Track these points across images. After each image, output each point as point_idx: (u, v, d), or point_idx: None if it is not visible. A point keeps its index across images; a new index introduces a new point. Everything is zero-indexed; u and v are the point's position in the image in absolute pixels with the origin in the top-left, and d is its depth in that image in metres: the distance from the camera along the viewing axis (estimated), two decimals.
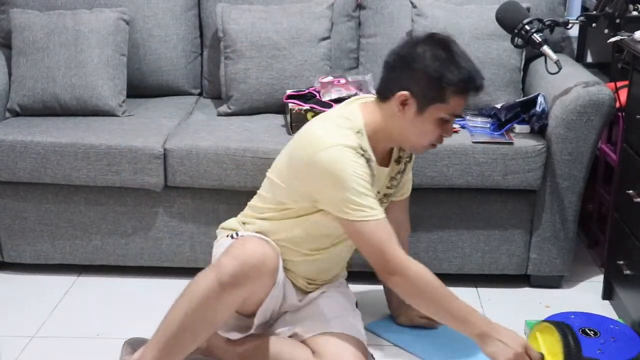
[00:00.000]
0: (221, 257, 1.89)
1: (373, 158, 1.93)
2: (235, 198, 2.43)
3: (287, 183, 1.97)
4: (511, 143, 2.43)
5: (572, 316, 2.30)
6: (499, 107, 2.56)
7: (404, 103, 1.88)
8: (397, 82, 1.89)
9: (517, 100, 2.59)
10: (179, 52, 2.97)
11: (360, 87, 2.63)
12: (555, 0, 2.88)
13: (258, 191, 2.12)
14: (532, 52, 2.73)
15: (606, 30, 2.38)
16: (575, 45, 3.18)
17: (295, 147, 1.97)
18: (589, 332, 2.18)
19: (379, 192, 2.03)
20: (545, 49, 2.33)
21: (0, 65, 2.85)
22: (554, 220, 2.50)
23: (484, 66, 2.67)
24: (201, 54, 3.05)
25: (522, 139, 2.46)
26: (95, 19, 2.79)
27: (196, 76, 3.06)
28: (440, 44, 1.90)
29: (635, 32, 2.27)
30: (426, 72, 1.86)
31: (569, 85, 2.43)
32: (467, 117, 2.61)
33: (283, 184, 1.99)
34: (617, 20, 2.35)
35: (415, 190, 2.49)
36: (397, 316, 2.35)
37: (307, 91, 2.66)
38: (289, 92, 2.68)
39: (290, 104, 2.58)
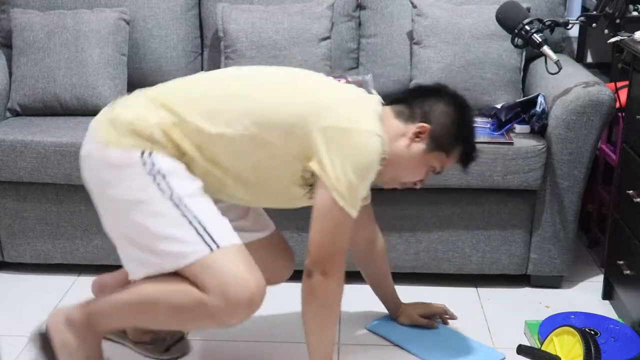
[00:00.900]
0: (208, 285, 1.70)
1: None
2: None
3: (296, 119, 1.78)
4: (511, 143, 2.43)
5: (572, 316, 2.31)
6: (499, 107, 2.56)
7: (418, 134, 1.86)
8: (425, 112, 1.88)
9: (517, 101, 2.60)
10: (179, 52, 2.97)
11: (361, 87, 2.62)
12: (555, 1, 2.88)
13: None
14: (532, 52, 2.73)
15: (606, 31, 2.38)
16: (575, 46, 3.19)
17: (332, 111, 1.79)
18: (589, 332, 2.18)
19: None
20: (546, 49, 2.33)
21: (1, 65, 2.85)
22: (554, 221, 2.51)
23: (484, 66, 2.68)
24: (201, 54, 3.05)
25: (522, 139, 2.46)
26: (96, 19, 2.79)
27: None
28: (465, 103, 1.94)
29: (636, 33, 2.28)
30: (452, 121, 1.87)
31: (569, 85, 2.43)
32: None
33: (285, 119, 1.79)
34: (617, 21, 2.35)
35: (415, 190, 2.50)
36: (397, 316, 2.35)
37: None
38: None
39: None
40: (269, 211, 2.20)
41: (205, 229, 1.73)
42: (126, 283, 1.93)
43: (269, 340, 2.29)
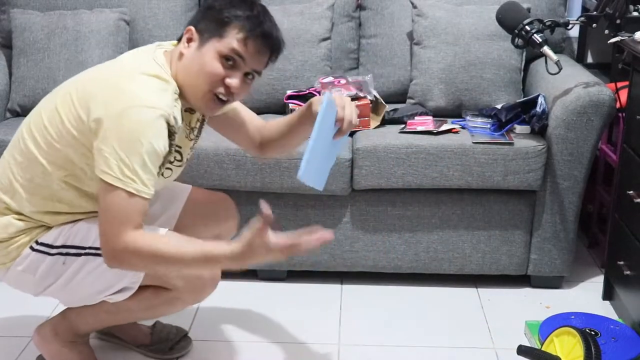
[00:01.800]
0: (169, 280, 1.87)
1: (180, 124, 1.77)
2: (235, 198, 2.42)
3: (58, 134, 1.75)
4: (511, 143, 2.43)
5: (573, 317, 2.30)
6: (500, 108, 2.56)
7: (189, 39, 1.75)
8: (190, 21, 1.80)
9: (518, 101, 2.60)
10: None
11: (361, 88, 2.63)
12: (555, 1, 2.88)
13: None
14: (532, 53, 2.73)
15: (606, 31, 2.38)
16: (575, 46, 3.18)
17: (98, 93, 1.71)
18: (589, 332, 2.18)
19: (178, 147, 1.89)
20: (546, 49, 2.33)
21: (1, 66, 2.85)
22: (555, 221, 2.50)
23: (484, 67, 2.68)
24: None
25: (522, 140, 2.46)
26: (96, 20, 2.79)
27: None
28: None
29: (636, 33, 2.27)
30: (211, 6, 1.76)
31: (569, 85, 2.43)
32: (468, 118, 2.62)
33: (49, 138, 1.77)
34: (618, 21, 2.35)
35: (415, 190, 2.50)
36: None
37: (307, 91, 2.66)
38: (289, 92, 2.68)
39: (290, 105, 2.59)
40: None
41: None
42: None
43: (270, 341, 2.29)
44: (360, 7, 2.98)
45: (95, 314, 1.97)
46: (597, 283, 2.61)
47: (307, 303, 2.50)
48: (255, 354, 2.23)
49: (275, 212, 2.57)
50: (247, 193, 2.45)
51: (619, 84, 2.42)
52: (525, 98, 2.60)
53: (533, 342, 2.24)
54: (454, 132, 2.53)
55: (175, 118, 1.72)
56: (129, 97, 1.67)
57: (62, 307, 2.18)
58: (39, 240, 1.84)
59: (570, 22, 2.44)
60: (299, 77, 2.77)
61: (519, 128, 2.51)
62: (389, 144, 2.45)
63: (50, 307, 2.38)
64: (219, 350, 2.25)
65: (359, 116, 2.55)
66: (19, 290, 1.95)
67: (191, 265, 1.75)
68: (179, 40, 1.81)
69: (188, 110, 1.88)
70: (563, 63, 2.37)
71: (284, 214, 2.54)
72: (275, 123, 2.05)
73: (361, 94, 2.60)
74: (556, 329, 2.07)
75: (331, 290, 2.59)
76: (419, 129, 2.53)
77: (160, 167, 1.74)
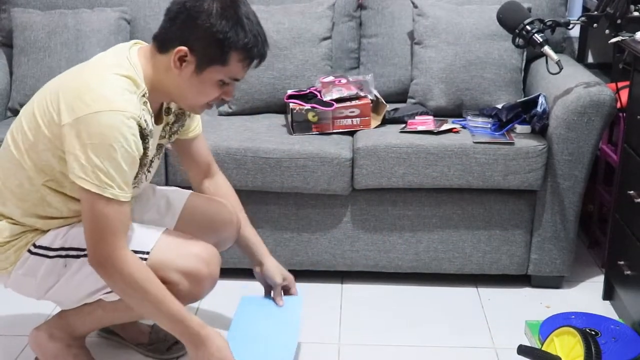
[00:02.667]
0: (167, 278, 1.84)
1: (152, 127, 1.77)
2: None
3: (36, 138, 1.76)
4: (512, 143, 2.43)
5: (573, 316, 2.31)
6: (500, 108, 2.56)
7: (182, 59, 1.72)
8: (178, 36, 1.72)
9: (518, 101, 2.60)
10: None
11: (361, 87, 2.63)
12: (556, 1, 2.87)
13: None
14: (533, 53, 2.73)
15: (607, 31, 2.38)
16: (576, 46, 3.18)
17: (68, 96, 1.70)
18: (589, 332, 2.18)
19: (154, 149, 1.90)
20: (546, 49, 2.33)
21: (2, 65, 2.85)
22: (555, 221, 2.50)
23: (484, 66, 2.68)
24: None
25: (523, 139, 2.46)
26: (97, 18, 2.79)
27: None
28: (230, 2, 1.73)
29: (637, 33, 2.27)
30: (210, 31, 1.70)
31: (570, 85, 2.43)
32: (468, 118, 2.62)
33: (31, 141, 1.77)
34: (618, 21, 2.34)
35: (416, 190, 2.50)
36: (257, 268, 2.23)
37: (308, 91, 2.66)
38: (290, 91, 2.68)
39: (291, 104, 2.59)
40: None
41: None
42: None
43: None
44: (361, 6, 2.98)
45: (92, 314, 1.97)
46: (597, 283, 2.61)
47: (308, 302, 2.50)
48: None
49: (275, 211, 2.59)
50: (247, 192, 2.45)
51: (620, 84, 2.42)
52: (526, 98, 2.60)
53: (533, 342, 2.24)
54: (454, 132, 2.53)
55: (145, 121, 1.73)
56: (98, 101, 1.66)
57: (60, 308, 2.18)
58: (37, 244, 1.85)
59: (571, 22, 2.44)
60: (299, 76, 2.77)
61: (519, 128, 2.51)
62: (390, 143, 2.45)
63: (50, 306, 2.38)
64: None
65: (360, 115, 2.57)
66: (23, 295, 1.96)
67: (160, 317, 1.83)
68: (155, 39, 1.78)
69: (162, 111, 1.90)
70: (564, 63, 2.37)
71: (284, 213, 2.54)
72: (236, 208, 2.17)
73: (362, 94, 2.60)
74: (556, 329, 2.07)
75: (331, 289, 2.59)
76: (420, 128, 2.53)
77: (138, 170, 1.76)
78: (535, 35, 2.34)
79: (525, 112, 2.51)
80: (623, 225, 2.34)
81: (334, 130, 2.57)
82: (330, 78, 2.68)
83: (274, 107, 2.77)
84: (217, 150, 2.45)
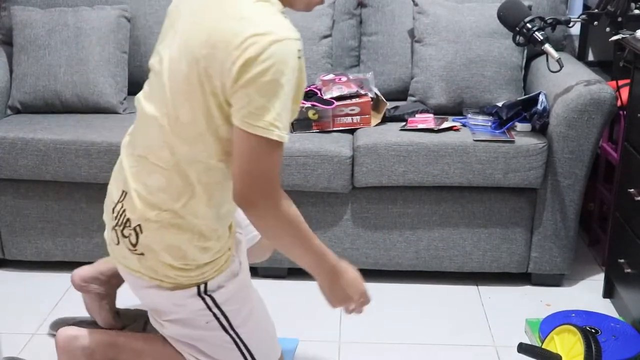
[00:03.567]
0: None
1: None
2: None
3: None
4: (512, 141, 2.43)
5: (573, 314, 2.31)
6: (500, 106, 2.56)
7: None
8: None
9: (519, 99, 2.59)
10: None
11: (362, 85, 2.63)
12: None
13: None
14: (533, 51, 2.73)
15: (608, 29, 2.38)
16: (576, 44, 3.18)
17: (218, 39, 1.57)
18: (590, 330, 2.18)
19: None
20: (547, 47, 2.33)
21: (2, 63, 2.85)
22: (555, 219, 2.51)
23: (485, 64, 2.68)
24: None
25: (523, 137, 2.46)
26: (97, 16, 2.79)
27: None
28: None
29: (637, 31, 2.27)
30: None
31: (570, 83, 2.43)
32: (469, 116, 2.61)
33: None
34: (619, 19, 2.34)
35: (416, 188, 2.50)
36: None
37: (308, 89, 2.66)
38: None
39: None
40: None
41: (252, 355, 1.86)
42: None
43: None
44: (361, 4, 2.98)
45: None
46: (597, 281, 2.61)
47: (308, 300, 2.50)
48: None
49: None
50: None
51: (620, 82, 2.42)
52: (526, 96, 2.60)
53: (533, 340, 2.24)
54: (454, 130, 2.53)
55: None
56: (263, 31, 1.56)
57: (66, 301, 2.18)
58: (209, 288, 1.75)
59: (572, 19, 2.43)
60: None
61: (519, 126, 2.51)
62: (390, 141, 2.45)
63: (50, 305, 2.39)
64: None
65: (360, 113, 2.57)
66: (144, 302, 1.87)
67: (306, 254, 1.77)
68: None
69: None
70: (564, 61, 2.37)
71: None
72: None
73: (362, 92, 2.60)
74: (556, 327, 2.08)
75: None
76: (420, 126, 2.53)
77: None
78: (536, 33, 2.33)
79: (526, 110, 2.51)
80: (623, 223, 2.34)
81: (334, 128, 2.57)
82: (331, 76, 2.68)
83: None
84: None
